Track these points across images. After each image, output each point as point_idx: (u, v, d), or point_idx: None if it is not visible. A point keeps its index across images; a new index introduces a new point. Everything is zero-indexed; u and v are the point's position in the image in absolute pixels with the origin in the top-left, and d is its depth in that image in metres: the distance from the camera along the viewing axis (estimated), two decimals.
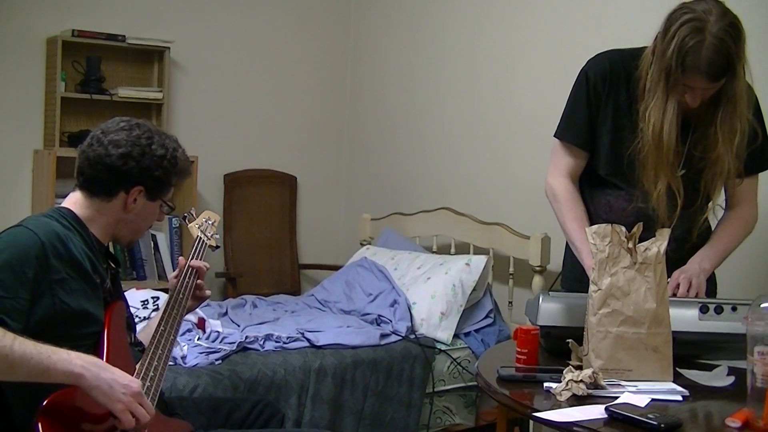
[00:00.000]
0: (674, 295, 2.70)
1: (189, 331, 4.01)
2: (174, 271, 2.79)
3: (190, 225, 2.97)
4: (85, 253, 2.35)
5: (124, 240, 2.58)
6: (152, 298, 4.23)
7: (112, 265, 2.54)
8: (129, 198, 2.46)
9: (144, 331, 2.69)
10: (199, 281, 2.73)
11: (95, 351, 2.29)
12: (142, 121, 2.54)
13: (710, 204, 2.89)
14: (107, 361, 2.26)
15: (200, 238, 2.91)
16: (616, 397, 2.19)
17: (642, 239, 2.41)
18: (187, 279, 2.70)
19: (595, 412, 2.09)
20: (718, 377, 2.44)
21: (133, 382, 2.17)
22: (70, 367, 2.09)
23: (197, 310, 4.09)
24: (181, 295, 2.65)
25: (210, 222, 3.02)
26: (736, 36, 2.54)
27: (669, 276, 2.61)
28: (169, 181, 2.53)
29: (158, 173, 2.47)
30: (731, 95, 2.65)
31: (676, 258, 2.80)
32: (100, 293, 2.40)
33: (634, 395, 2.21)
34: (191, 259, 2.76)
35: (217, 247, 3.00)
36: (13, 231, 2.28)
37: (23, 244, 2.22)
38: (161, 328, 2.52)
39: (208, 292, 2.79)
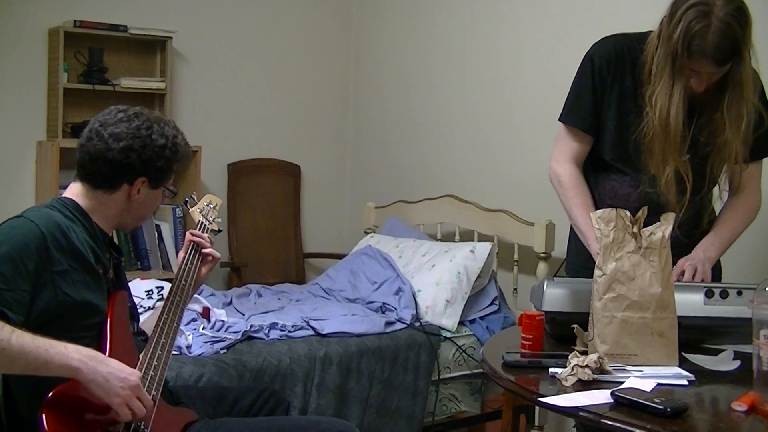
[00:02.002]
0: (679, 281, 2.70)
1: (194, 320, 4.01)
2: (180, 253, 2.80)
3: (191, 210, 2.96)
4: (87, 244, 2.35)
5: (128, 227, 2.60)
6: (156, 287, 4.24)
7: (115, 254, 2.54)
8: (132, 189, 2.46)
9: (149, 320, 2.69)
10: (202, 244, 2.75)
11: (98, 341, 2.29)
12: (139, 108, 2.52)
13: (715, 188, 2.89)
14: (110, 351, 2.27)
15: (202, 222, 2.91)
16: (622, 382, 2.18)
17: (647, 224, 2.41)
18: (190, 264, 2.69)
19: (600, 396, 2.08)
20: (724, 361, 2.44)
21: (132, 375, 2.17)
22: (67, 361, 2.09)
23: (201, 299, 4.11)
24: (184, 281, 2.65)
25: (212, 206, 3.00)
26: (742, 20, 2.53)
27: (675, 263, 2.61)
28: (170, 168, 2.53)
29: (160, 163, 2.48)
30: (737, 80, 2.65)
31: (686, 242, 2.81)
32: (103, 284, 2.40)
33: (640, 380, 2.20)
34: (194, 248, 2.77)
35: (220, 230, 3.00)
36: (14, 222, 2.28)
37: (24, 235, 2.22)
38: (164, 316, 2.52)
39: (217, 254, 2.81)
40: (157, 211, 2.85)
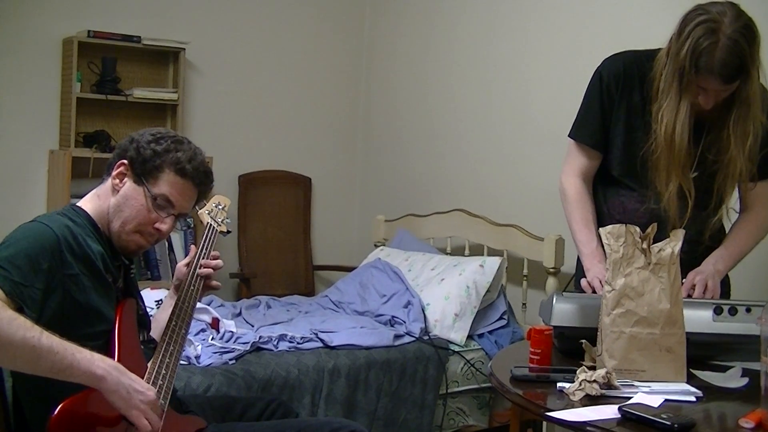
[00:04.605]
0: (689, 296, 2.70)
1: (203, 331, 4.03)
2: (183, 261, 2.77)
3: (200, 212, 2.90)
4: (97, 251, 2.35)
5: (113, 233, 2.46)
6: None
7: (125, 261, 2.53)
8: (115, 174, 2.45)
9: (154, 326, 2.69)
10: (209, 275, 2.71)
11: (106, 350, 2.29)
12: (180, 135, 2.56)
13: (723, 206, 2.89)
14: (119, 359, 2.27)
15: (210, 224, 2.88)
16: (630, 398, 2.19)
17: (655, 240, 2.41)
18: (197, 273, 2.68)
19: (608, 412, 2.09)
20: (732, 378, 2.44)
21: (150, 390, 2.18)
22: (92, 368, 2.08)
23: (211, 309, 4.12)
24: (192, 287, 2.64)
25: (220, 207, 2.94)
26: (750, 38, 2.54)
27: (683, 277, 2.61)
28: (155, 164, 2.45)
29: (148, 153, 2.44)
30: (744, 97, 2.65)
31: (688, 260, 2.79)
32: (113, 293, 2.40)
33: (648, 395, 2.20)
34: (202, 250, 2.73)
35: (229, 231, 2.93)
36: (29, 225, 2.29)
37: (39, 236, 2.23)
38: (172, 323, 2.51)
39: (217, 283, 2.75)
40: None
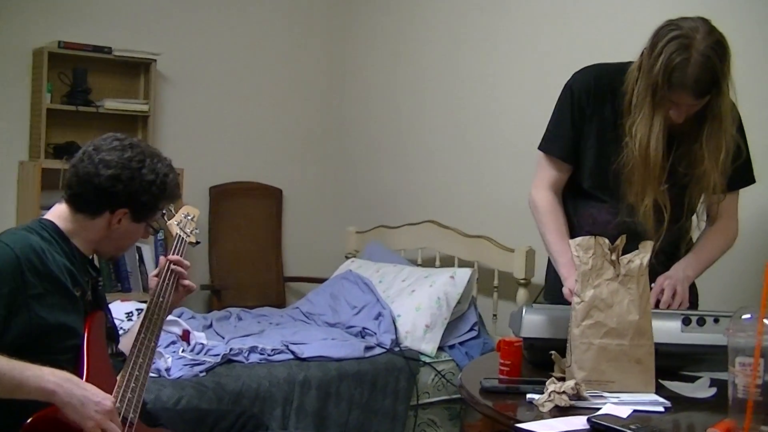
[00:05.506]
0: (658, 301, 2.73)
1: (173, 343, 4.01)
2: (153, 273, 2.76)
3: (168, 222, 2.89)
4: (64, 267, 2.33)
5: (106, 255, 2.59)
6: (137, 310, 4.23)
7: (94, 274, 2.52)
8: (113, 218, 2.44)
9: (125, 339, 2.67)
10: (181, 273, 2.71)
11: (75, 364, 2.28)
12: (136, 140, 2.51)
13: (694, 218, 2.92)
14: (87, 373, 2.25)
15: (179, 235, 2.88)
16: (599, 408, 2.20)
17: (625, 252, 2.43)
18: (166, 282, 2.67)
19: (577, 423, 2.10)
20: (700, 388, 2.46)
21: (106, 400, 2.15)
22: (43, 383, 2.07)
23: (182, 321, 4.10)
24: (161, 298, 2.62)
25: (189, 217, 2.94)
26: (721, 54, 2.56)
27: (652, 282, 2.63)
28: (155, 205, 2.52)
29: (145, 198, 2.46)
30: (717, 112, 2.67)
31: (663, 271, 2.83)
32: (81, 306, 2.38)
33: (617, 406, 2.21)
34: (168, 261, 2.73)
35: (198, 242, 2.95)
36: None
37: None
38: (141, 335, 2.50)
39: (190, 283, 2.74)
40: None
